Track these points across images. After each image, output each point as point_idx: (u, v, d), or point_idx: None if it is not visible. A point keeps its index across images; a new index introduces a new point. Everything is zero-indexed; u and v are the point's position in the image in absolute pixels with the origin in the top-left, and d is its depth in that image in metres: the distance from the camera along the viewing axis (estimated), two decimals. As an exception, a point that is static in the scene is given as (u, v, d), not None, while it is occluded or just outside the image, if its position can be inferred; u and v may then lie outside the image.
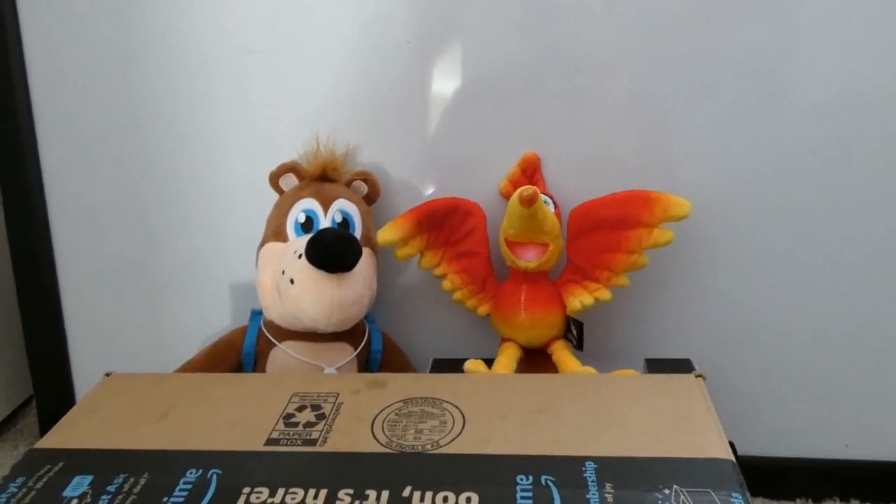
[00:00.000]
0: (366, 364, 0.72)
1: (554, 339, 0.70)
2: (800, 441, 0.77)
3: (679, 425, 0.47)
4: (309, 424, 0.50)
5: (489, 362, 0.67)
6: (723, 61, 0.68)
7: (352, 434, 0.49)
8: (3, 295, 0.91)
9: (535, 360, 0.70)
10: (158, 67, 0.75)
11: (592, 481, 0.42)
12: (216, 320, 0.82)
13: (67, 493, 0.44)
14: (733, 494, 0.41)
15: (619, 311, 0.74)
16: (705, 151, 0.71)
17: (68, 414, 0.53)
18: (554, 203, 0.70)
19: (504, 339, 0.71)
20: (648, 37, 0.69)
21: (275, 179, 0.72)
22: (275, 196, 0.73)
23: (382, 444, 0.47)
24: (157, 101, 0.76)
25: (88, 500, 0.43)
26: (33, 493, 0.44)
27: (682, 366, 0.68)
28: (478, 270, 0.71)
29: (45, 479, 0.45)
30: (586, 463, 0.44)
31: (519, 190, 0.61)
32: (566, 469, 0.43)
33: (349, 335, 0.70)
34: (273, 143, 0.75)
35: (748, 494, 0.41)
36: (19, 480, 0.46)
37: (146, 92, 0.76)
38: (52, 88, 0.77)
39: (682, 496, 0.41)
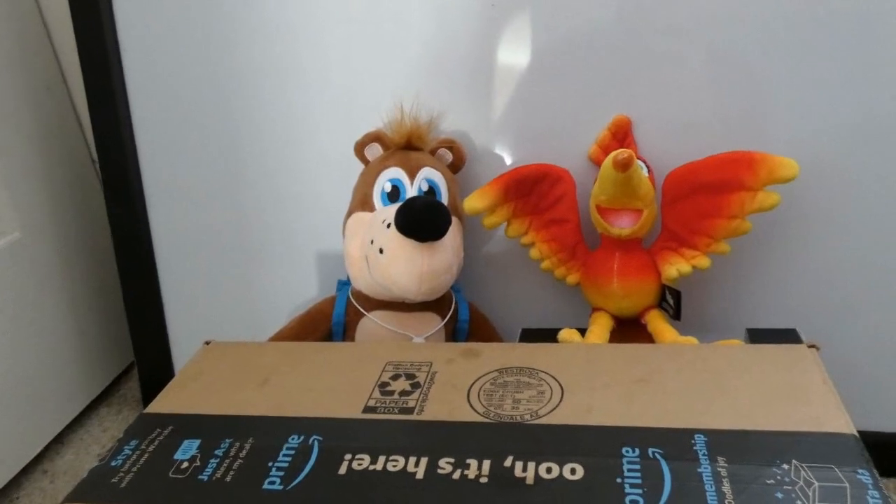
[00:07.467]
0: (453, 334, 0.72)
1: (648, 308, 0.67)
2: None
3: (794, 397, 0.45)
4: (404, 393, 0.50)
5: (580, 332, 0.65)
6: (820, 19, 0.63)
7: (448, 403, 0.48)
8: (105, 270, 0.96)
9: (629, 330, 0.68)
10: (243, 42, 0.75)
11: (703, 454, 0.41)
12: (303, 290, 0.84)
13: (178, 455, 0.46)
14: (859, 470, 0.39)
15: (716, 278, 0.71)
16: (806, 112, 0.66)
17: (173, 380, 0.55)
18: (647, 167, 0.67)
19: (595, 309, 0.69)
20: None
21: (360, 149, 0.72)
22: (360, 166, 0.72)
23: (480, 414, 0.47)
24: (243, 75, 0.77)
25: (198, 463, 0.45)
26: (147, 455, 0.46)
27: (787, 336, 0.64)
28: (567, 238, 0.69)
29: (156, 443, 0.47)
30: (696, 436, 0.42)
31: (613, 153, 0.59)
32: (675, 442, 0.42)
33: (436, 305, 0.69)
34: (357, 113, 0.74)
35: (876, 471, 0.39)
36: (133, 443, 0.47)
37: (232, 67, 0.77)
38: (145, 71, 0.79)
39: (802, 472, 0.39)
